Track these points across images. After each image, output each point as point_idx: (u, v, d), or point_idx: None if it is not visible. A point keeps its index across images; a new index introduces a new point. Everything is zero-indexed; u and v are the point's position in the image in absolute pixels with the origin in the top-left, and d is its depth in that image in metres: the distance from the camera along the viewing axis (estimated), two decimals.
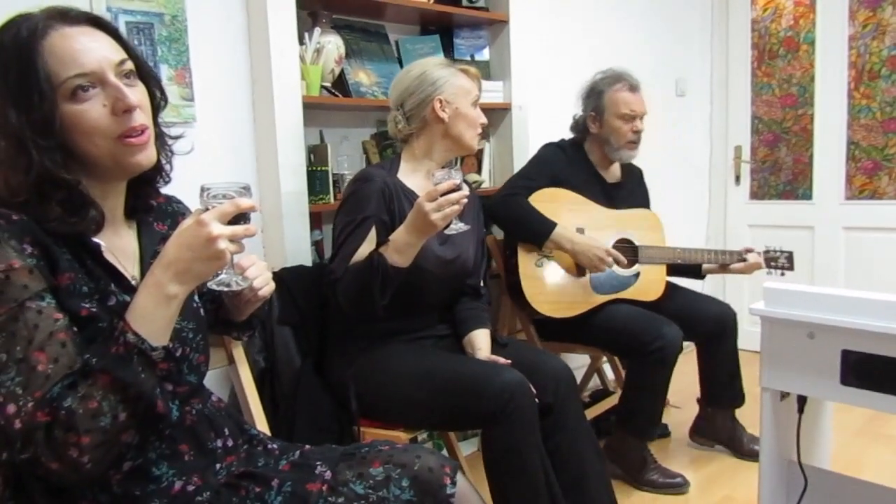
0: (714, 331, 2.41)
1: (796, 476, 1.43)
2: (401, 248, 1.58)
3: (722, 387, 2.47)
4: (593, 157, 2.45)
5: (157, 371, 0.92)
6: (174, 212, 1.19)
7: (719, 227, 3.92)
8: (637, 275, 2.37)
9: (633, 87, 2.39)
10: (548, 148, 2.45)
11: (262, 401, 1.55)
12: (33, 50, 0.92)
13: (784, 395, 1.42)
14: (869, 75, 3.40)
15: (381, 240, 1.65)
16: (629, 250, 2.37)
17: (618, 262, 2.23)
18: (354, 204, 1.71)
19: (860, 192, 3.47)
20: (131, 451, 0.94)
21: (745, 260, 2.40)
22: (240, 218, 0.95)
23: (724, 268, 2.44)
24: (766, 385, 1.39)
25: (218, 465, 1.10)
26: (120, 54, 0.99)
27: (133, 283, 1.04)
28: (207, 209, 0.94)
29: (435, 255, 1.73)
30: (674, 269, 2.45)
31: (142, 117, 0.99)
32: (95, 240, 1.00)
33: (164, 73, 1.79)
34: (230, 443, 1.15)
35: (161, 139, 1.09)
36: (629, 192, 2.51)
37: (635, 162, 2.55)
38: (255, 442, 1.20)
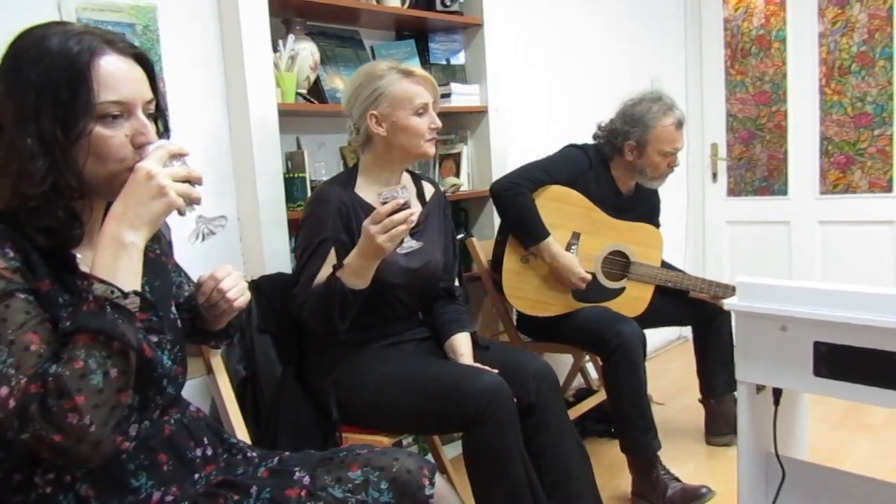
0: (709, 313, 2.42)
1: (774, 468, 1.45)
2: (356, 270, 1.57)
3: (716, 375, 2.50)
4: (616, 174, 2.41)
5: (137, 322, 0.91)
6: None
7: (698, 224, 3.96)
8: (622, 289, 2.38)
9: (681, 123, 2.34)
10: (573, 150, 2.41)
11: (243, 410, 1.55)
12: (87, 65, 0.94)
13: (760, 388, 1.43)
14: (839, 71, 3.46)
15: (341, 261, 1.62)
16: (620, 264, 2.38)
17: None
18: (312, 226, 1.70)
19: (834, 187, 3.53)
20: (135, 414, 0.92)
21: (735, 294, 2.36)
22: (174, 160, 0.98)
23: (714, 298, 2.39)
24: (741, 378, 1.41)
25: (197, 475, 1.10)
26: (150, 93, 1.02)
27: None
28: None
29: (400, 267, 1.72)
30: (660, 288, 2.43)
31: None
32: (73, 252, 1.00)
33: (163, 94, 1.78)
34: (209, 452, 1.15)
35: None
36: (640, 202, 2.48)
37: None
38: (234, 451, 1.20)
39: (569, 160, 2.37)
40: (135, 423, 0.94)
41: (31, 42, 0.95)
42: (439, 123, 1.78)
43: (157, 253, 1.17)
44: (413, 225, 1.54)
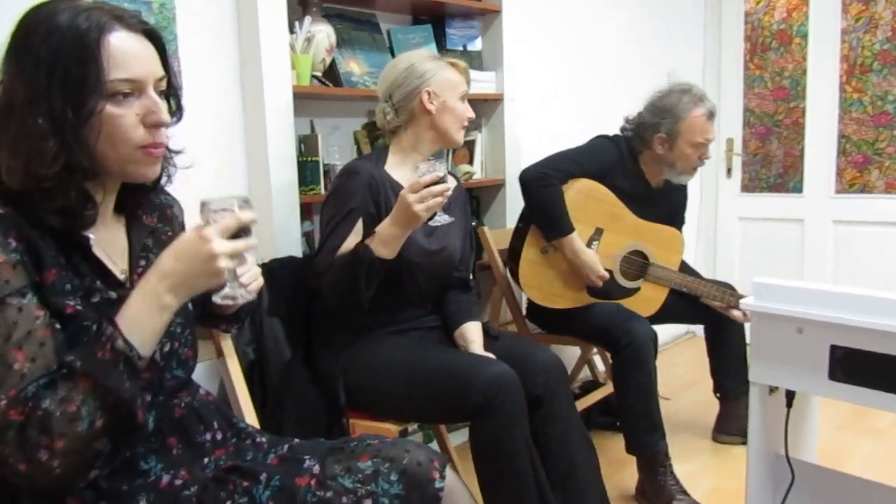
0: (720, 315, 2.40)
1: (783, 470, 1.44)
2: (386, 239, 1.58)
3: (730, 376, 2.49)
4: (645, 169, 2.37)
5: (139, 378, 0.92)
6: (162, 204, 1.18)
7: (710, 220, 3.93)
8: (637, 289, 2.36)
9: (713, 114, 2.29)
10: (604, 140, 2.37)
11: (251, 393, 1.55)
12: (97, 42, 0.92)
13: (773, 390, 1.42)
14: (861, 69, 3.41)
15: (368, 232, 1.64)
16: (639, 264, 2.37)
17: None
18: (341, 196, 1.70)
19: (850, 186, 3.49)
20: (100, 460, 0.93)
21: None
22: (241, 231, 0.95)
23: (726, 309, 2.35)
24: (754, 379, 1.40)
25: (206, 459, 1.10)
26: (161, 71, 1.00)
27: (122, 277, 1.03)
28: (208, 223, 0.94)
29: (420, 247, 1.73)
30: (674, 292, 2.41)
31: (164, 134, 1.00)
32: (85, 233, 0.99)
33: (175, 73, 1.76)
34: (219, 436, 1.14)
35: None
36: (668, 197, 2.44)
37: None
38: (243, 435, 1.20)
39: (600, 152, 2.33)
40: (96, 469, 0.94)
41: (39, 18, 0.93)
42: (473, 114, 1.86)
43: (170, 235, 1.16)
44: (448, 199, 1.56)
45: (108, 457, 0.94)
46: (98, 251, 1.00)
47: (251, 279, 1.19)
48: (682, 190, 2.53)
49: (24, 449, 0.85)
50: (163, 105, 0.98)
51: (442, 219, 1.59)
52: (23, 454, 0.85)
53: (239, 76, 1.96)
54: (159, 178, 1.10)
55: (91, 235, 0.99)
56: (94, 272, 0.99)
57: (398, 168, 1.81)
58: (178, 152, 1.12)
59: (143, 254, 1.09)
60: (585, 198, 2.25)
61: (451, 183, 1.58)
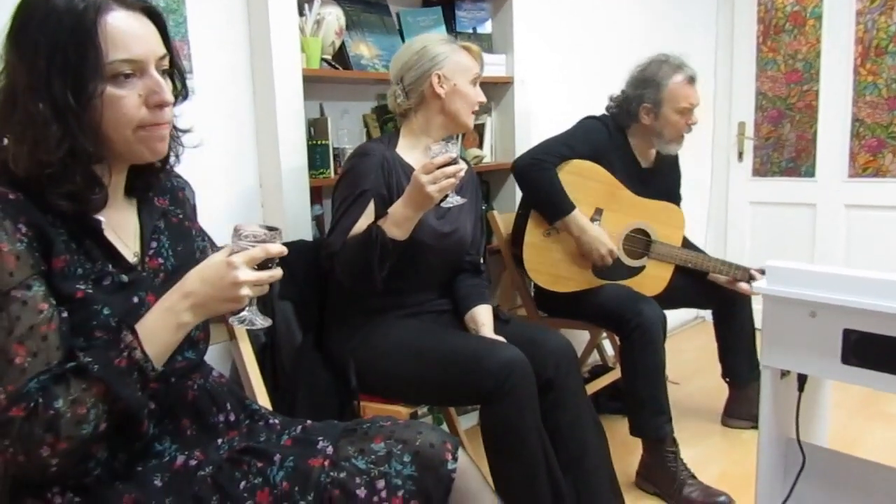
0: (729, 297, 2.40)
1: (794, 453, 1.44)
2: (398, 220, 1.58)
3: (739, 361, 2.48)
4: (633, 143, 2.39)
5: (148, 388, 0.94)
6: (173, 187, 1.18)
7: (721, 204, 3.90)
8: (642, 268, 2.35)
9: (693, 79, 2.32)
10: (591, 121, 2.38)
11: (263, 376, 1.55)
12: (94, 23, 0.91)
13: (784, 374, 1.42)
14: (876, 52, 3.36)
15: (380, 213, 1.64)
16: (642, 242, 2.36)
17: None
18: (353, 178, 1.70)
19: (864, 170, 3.46)
20: (93, 462, 0.95)
21: (753, 278, 2.30)
22: (268, 261, 0.98)
23: (732, 282, 2.35)
24: (766, 363, 1.39)
25: (220, 440, 1.11)
26: (162, 49, 0.98)
27: (133, 260, 1.04)
28: (237, 250, 0.96)
29: (432, 229, 1.73)
30: (680, 268, 2.40)
31: (170, 114, 1.00)
32: (96, 217, 0.99)
33: (177, 52, 1.76)
34: (232, 417, 1.15)
35: (172, 129, 1.08)
36: (662, 176, 2.46)
37: None
38: (256, 417, 1.21)
39: (588, 132, 2.33)
40: (92, 472, 0.96)
41: (37, 2, 0.92)
42: (484, 98, 1.86)
43: (181, 217, 1.16)
44: (460, 181, 1.56)
45: (105, 462, 0.96)
46: (109, 234, 1.01)
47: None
48: (675, 168, 2.54)
49: (26, 443, 0.86)
50: (165, 84, 0.97)
51: (454, 199, 1.59)
52: (24, 448, 0.86)
53: (248, 59, 1.95)
54: (167, 158, 1.09)
55: (102, 219, 0.99)
56: (106, 256, 0.99)
57: (409, 151, 1.80)
58: (186, 131, 1.12)
59: (154, 236, 1.09)
60: (582, 179, 2.25)
61: (463, 164, 1.57)
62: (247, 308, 1.01)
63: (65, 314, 0.93)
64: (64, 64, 0.90)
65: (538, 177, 2.19)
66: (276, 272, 1.00)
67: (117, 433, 0.94)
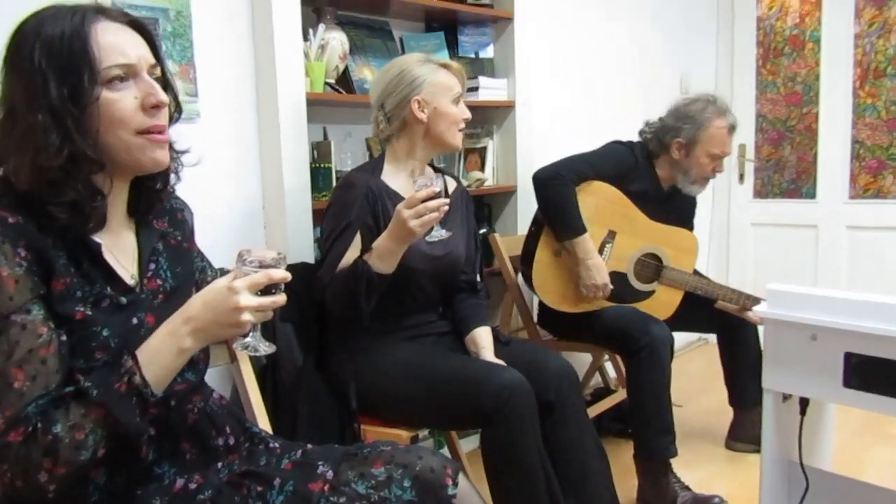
0: (735, 322, 2.39)
1: (797, 477, 1.43)
2: (383, 254, 1.59)
3: (746, 386, 2.47)
4: (660, 173, 2.39)
5: (148, 414, 0.94)
6: (172, 208, 1.19)
7: (723, 226, 3.91)
8: (652, 292, 2.35)
9: (734, 128, 2.33)
10: (619, 146, 2.38)
11: (264, 398, 1.55)
12: (85, 35, 0.94)
13: (786, 397, 1.41)
14: (874, 74, 3.39)
15: (367, 245, 1.65)
16: (653, 266, 2.36)
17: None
18: (338, 211, 1.71)
19: (864, 191, 3.47)
20: (90, 486, 0.95)
21: None
22: (271, 287, 0.98)
23: (741, 311, 2.34)
24: (768, 386, 1.39)
25: (220, 464, 1.10)
26: (153, 58, 1.01)
27: (132, 282, 1.04)
28: (240, 275, 0.97)
29: (422, 253, 1.73)
30: (687, 293, 2.40)
31: (165, 117, 1.01)
32: (96, 239, 1.00)
33: (169, 68, 1.78)
34: (231, 441, 1.15)
35: (171, 150, 1.09)
36: (679, 203, 2.46)
37: None
38: (256, 440, 1.21)
39: (615, 157, 2.34)
40: (92, 499, 0.96)
41: (29, 30, 0.94)
42: (469, 115, 1.83)
43: (179, 239, 1.17)
44: (445, 212, 1.56)
45: (102, 487, 0.96)
46: (108, 256, 1.01)
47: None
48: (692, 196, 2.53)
49: (24, 468, 0.86)
50: (159, 88, 0.99)
51: (439, 234, 1.59)
52: (21, 472, 0.86)
53: (254, 83, 1.98)
54: (168, 179, 1.11)
55: (101, 241, 1.00)
56: (104, 278, 0.99)
57: (394, 177, 1.79)
58: (184, 152, 1.13)
59: (153, 257, 1.10)
60: (597, 199, 2.25)
61: (447, 198, 1.57)
62: (250, 334, 1.02)
63: (64, 337, 0.93)
64: (60, 74, 0.92)
65: (556, 191, 2.19)
66: (280, 298, 0.99)
67: (116, 458, 0.94)
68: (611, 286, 2.21)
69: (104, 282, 0.99)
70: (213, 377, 1.30)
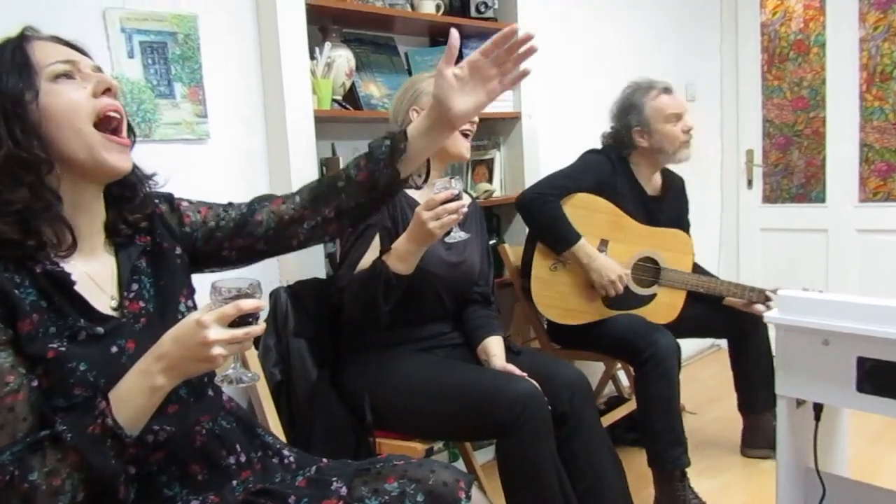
0: (746, 326, 2.39)
1: (814, 484, 1.42)
2: (402, 255, 1.60)
3: (756, 391, 2.46)
4: (637, 170, 2.41)
5: (126, 455, 0.92)
6: (152, 214, 1.14)
7: (732, 231, 3.90)
8: (653, 296, 2.35)
9: (668, 90, 2.38)
10: (593, 154, 2.42)
11: (279, 413, 1.56)
12: (23, 47, 0.97)
13: (800, 403, 1.41)
14: (881, 77, 3.38)
15: (385, 247, 1.67)
16: (651, 270, 2.36)
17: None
18: None
19: (874, 195, 3.45)
20: None
21: (769, 299, 2.30)
22: (248, 316, 0.92)
23: (747, 305, 2.35)
24: (781, 392, 1.39)
25: (234, 482, 1.10)
26: (95, 63, 1.04)
27: (112, 303, 1.03)
28: (214, 307, 0.92)
29: (439, 259, 1.75)
30: (693, 295, 2.40)
31: (118, 102, 1.02)
32: (67, 269, 0.98)
33: (178, 91, 1.81)
34: (243, 458, 1.14)
35: (136, 172, 1.10)
36: (668, 204, 2.47)
37: (676, 170, 2.53)
38: (270, 452, 1.21)
39: (591, 166, 2.36)
40: None
41: None
42: (470, 124, 1.85)
43: (160, 242, 1.13)
44: (462, 217, 1.57)
45: None
46: (81, 286, 0.99)
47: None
48: (682, 194, 2.56)
49: None
50: (107, 76, 1.01)
51: (458, 235, 1.61)
52: None
53: (262, 102, 2.00)
54: (138, 194, 1.09)
55: (73, 271, 0.99)
56: (78, 310, 0.97)
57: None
58: (151, 176, 1.14)
59: (134, 277, 1.07)
60: (584, 211, 2.26)
61: (466, 200, 1.59)
62: (231, 367, 0.97)
63: (34, 383, 0.92)
64: (5, 84, 0.94)
65: (542, 210, 2.21)
66: (254, 328, 0.94)
67: (97, 502, 0.91)
68: (627, 271, 2.22)
69: (77, 314, 0.97)
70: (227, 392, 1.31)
